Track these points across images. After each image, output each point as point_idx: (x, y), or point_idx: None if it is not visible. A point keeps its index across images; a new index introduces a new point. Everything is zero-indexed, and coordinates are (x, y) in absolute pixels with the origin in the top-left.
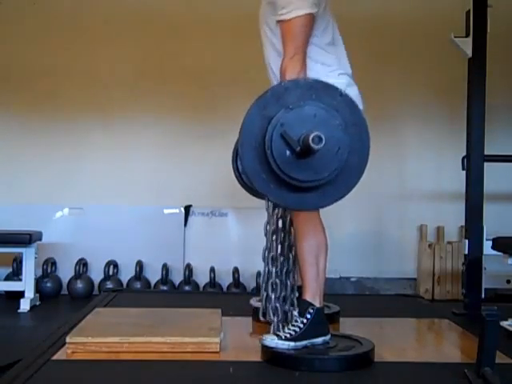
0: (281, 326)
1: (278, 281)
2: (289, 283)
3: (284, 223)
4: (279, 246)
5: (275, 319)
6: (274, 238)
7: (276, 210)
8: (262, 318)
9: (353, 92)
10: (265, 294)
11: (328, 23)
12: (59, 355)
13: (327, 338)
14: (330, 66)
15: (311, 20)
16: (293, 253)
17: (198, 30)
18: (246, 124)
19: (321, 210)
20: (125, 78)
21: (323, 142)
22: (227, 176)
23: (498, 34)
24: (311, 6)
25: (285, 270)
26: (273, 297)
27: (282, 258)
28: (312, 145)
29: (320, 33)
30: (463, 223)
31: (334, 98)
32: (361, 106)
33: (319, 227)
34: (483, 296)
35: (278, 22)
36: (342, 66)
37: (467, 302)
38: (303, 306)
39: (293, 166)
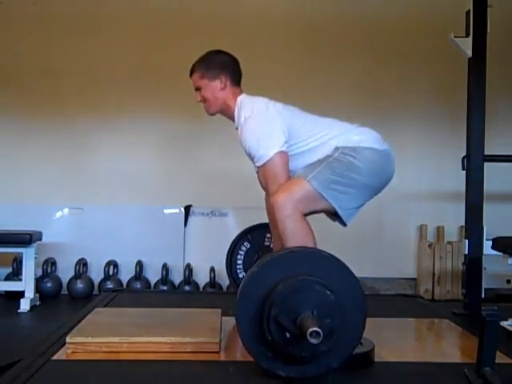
0: None
1: None
2: None
3: None
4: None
5: None
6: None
7: None
8: None
9: (373, 134)
10: None
11: (302, 114)
12: (59, 355)
13: None
14: (342, 134)
15: (284, 155)
16: None
17: (198, 30)
18: (240, 309)
19: None
20: (125, 78)
21: (321, 336)
22: (227, 176)
23: (498, 34)
24: (278, 144)
25: None
26: None
27: None
28: (310, 339)
29: (305, 124)
30: (463, 223)
31: (317, 264)
32: (386, 147)
33: (308, 228)
34: (483, 296)
35: (256, 167)
36: (347, 126)
37: (467, 302)
38: None
39: (292, 344)
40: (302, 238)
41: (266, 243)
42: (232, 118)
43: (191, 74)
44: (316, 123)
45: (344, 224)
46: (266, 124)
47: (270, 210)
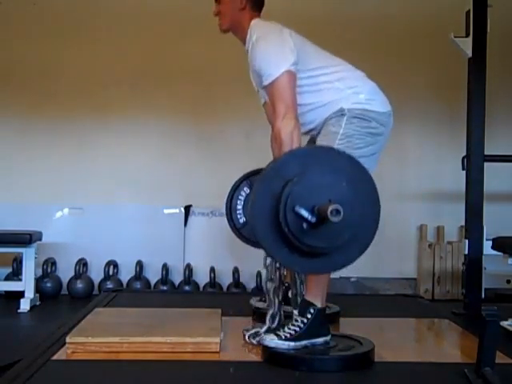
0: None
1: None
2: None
3: None
4: None
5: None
6: None
7: None
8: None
9: (380, 95)
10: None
11: (313, 47)
12: (59, 355)
13: (327, 337)
14: (349, 78)
15: (292, 75)
16: None
17: (198, 30)
18: (256, 206)
19: None
20: (125, 78)
21: (341, 213)
22: (227, 176)
23: (498, 34)
24: (287, 63)
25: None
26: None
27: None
28: (331, 218)
29: (315, 56)
30: (463, 223)
31: (333, 159)
32: (389, 108)
33: None
34: (483, 296)
35: (264, 87)
36: (357, 74)
37: (467, 302)
38: (304, 305)
39: (312, 236)
40: None
41: None
42: (243, 40)
43: None
44: (326, 57)
45: None
46: (277, 43)
47: (276, 135)
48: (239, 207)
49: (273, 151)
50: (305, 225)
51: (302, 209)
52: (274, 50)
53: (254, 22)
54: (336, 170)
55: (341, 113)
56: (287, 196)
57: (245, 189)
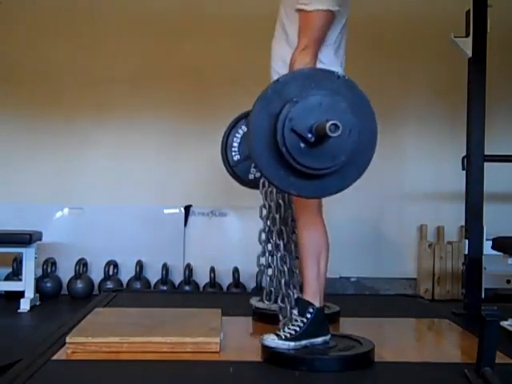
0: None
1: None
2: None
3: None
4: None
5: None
6: (273, 240)
7: (273, 214)
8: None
9: None
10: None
11: (343, 24)
12: (59, 355)
13: (327, 337)
14: (323, 64)
15: (331, 17)
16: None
17: (198, 30)
18: (254, 125)
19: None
20: (124, 78)
21: (340, 128)
22: (227, 176)
23: (497, 34)
24: (333, 4)
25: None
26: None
27: (280, 263)
28: (330, 133)
29: (334, 30)
30: (463, 223)
31: (332, 82)
32: None
33: (321, 227)
34: (483, 296)
35: (298, 10)
36: (328, 59)
37: (467, 302)
38: (303, 305)
39: (309, 156)
40: None
41: None
42: None
43: None
44: (333, 34)
45: None
46: None
47: (291, 65)
48: (235, 144)
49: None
50: (302, 144)
51: (300, 127)
52: None
53: None
54: (336, 92)
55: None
56: (286, 116)
57: (242, 127)
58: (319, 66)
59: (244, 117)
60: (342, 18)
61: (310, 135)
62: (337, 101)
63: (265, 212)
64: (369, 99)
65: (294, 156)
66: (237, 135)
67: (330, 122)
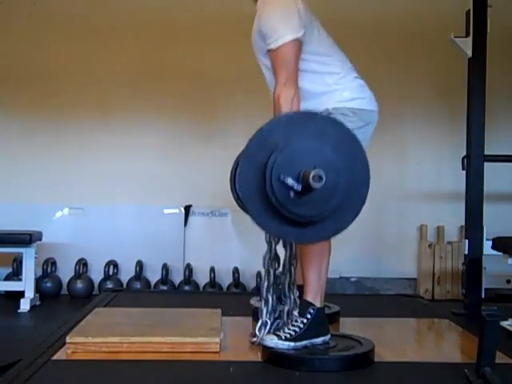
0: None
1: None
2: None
3: None
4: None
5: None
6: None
7: None
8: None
9: (366, 93)
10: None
11: (318, 30)
12: (59, 355)
13: (327, 338)
14: (338, 74)
15: (299, 44)
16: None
17: (198, 30)
18: (243, 177)
19: None
20: (124, 78)
21: (323, 179)
22: (227, 176)
23: (498, 34)
24: (296, 31)
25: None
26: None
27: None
28: (313, 185)
29: (316, 41)
30: (463, 223)
31: (316, 124)
32: (374, 107)
33: None
34: (483, 296)
35: (268, 51)
36: (347, 69)
37: (467, 302)
38: (304, 305)
39: (301, 205)
40: None
41: None
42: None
43: None
44: (326, 44)
45: None
46: (289, 10)
47: (276, 100)
48: None
49: (274, 104)
50: (292, 193)
51: (287, 177)
52: (284, 15)
53: None
54: (321, 134)
55: (327, 113)
56: (272, 165)
57: None
58: (331, 77)
59: None
60: (312, 28)
61: (297, 185)
62: (323, 144)
63: None
64: (355, 135)
65: (285, 206)
66: None
67: (313, 173)
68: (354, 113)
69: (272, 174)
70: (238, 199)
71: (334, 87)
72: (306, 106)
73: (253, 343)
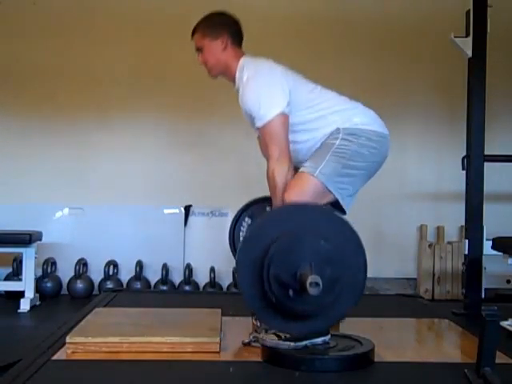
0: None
1: None
2: None
3: None
4: None
5: None
6: None
7: None
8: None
9: (376, 119)
10: None
11: (306, 83)
12: (59, 355)
13: (327, 337)
14: (344, 110)
15: (285, 117)
16: None
17: None
18: (241, 276)
19: None
20: (124, 79)
21: (320, 286)
22: (227, 176)
23: (498, 34)
24: (280, 105)
25: None
26: None
27: None
28: (310, 291)
29: (307, 92)
30: (463, 223)
31: (309, 216)
32: (386, 131)
33: None
34: (483, 296)
35: (257, 129)
36: (353, 103)
37: (467, 302)
38: None
39: (301, 301)
40: None
41: None
42: (233, 80)
43: (193, 34)
44: (319, 93)
45: (344, 212)
46: (269, 84)
47: (270, 176)
48: (242, 238)
49: (268, 185)
50: (291, 292)
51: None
52: (265, 91)
53: (243, 60)
54: (313, 227)
55: (336, 132)
56: (269, 264)
57: (246, 219)
58: (337, 115)
59: (244, 209)
60: (299, 85)
61: (295, 284)
62: (316, 238)
63: None
64: (348, 222)
65: (285, 304)
66: (242, 228)
67: (309, 280)
68: (365, 132)
69: (269, 274)
70: (235, 255)
71: (342, 120)
72: (317, 132)
73: (244, 344)
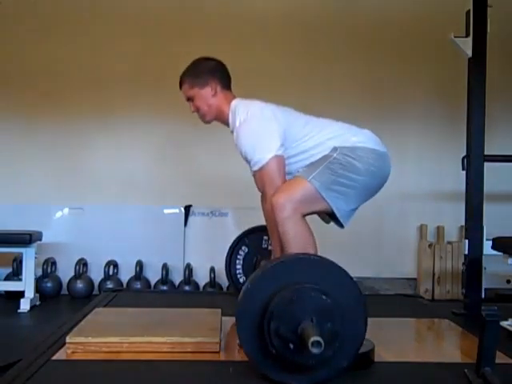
0: None
1: None
2: None
3: None
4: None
5: None
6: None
7: None
8: None
9: (374, 138)
10: None
11: (299, 116)
12: (59, 355)
13: None
14: (341, 135)
15: (280, 159)
16: None
17: (198, 31)
18: (242, 328)
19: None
20: (125, 78)
21: (322, 346)
22: (227, 176)
23: (497, 34)
24: (274, 149)
25: None
26: None
27: None
28: (312, 350)
29: (302, 125)
30: (463, 223)
31: (311, 268)
32: (385, 149)
33: (308, 230)
34: (483, 296)
35: (255, 172)
36: (348, 127)
37: (467, 302)
38: None
39: (302, 354)
40: (303, 240)
41: (263, 246)
42: (227, 123)
43: (181, 86)
44: (313, 124)
45: (341, 226)
46: (261, 128)
47: (268, 212)
48: (238, 266)
49: (264, 215)
50: (291, 345)
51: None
52: (258, 136)
53: (234, 103)
54: (315, 280)
55: (334, 149)
56: (269, 318)
57: (243, 248)
58: (334, 140)
59: (241, 238)
60: (292, 119)
61: (296, 339)
62: (316, 291)
63: None
64: (348, 273)
65: (285, 357)
66: (238, 257)
67: (312, 340)
68: (362, 150)
69: (270, 329)
70: (235, 288)
71: (340, 142)
72: (315, 157)
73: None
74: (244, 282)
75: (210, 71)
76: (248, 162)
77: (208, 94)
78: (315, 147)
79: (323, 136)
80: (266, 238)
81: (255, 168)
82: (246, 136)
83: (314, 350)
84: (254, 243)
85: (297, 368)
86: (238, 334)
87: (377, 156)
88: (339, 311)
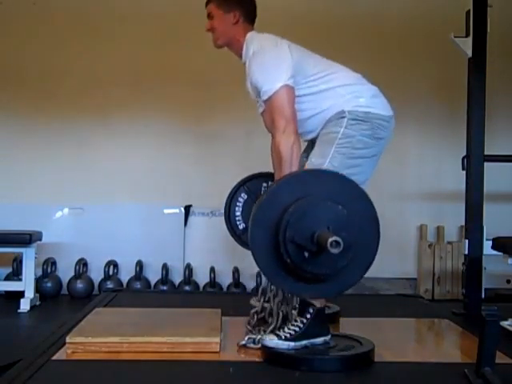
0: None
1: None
2: None
3: None
4: None
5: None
6: None
7: None
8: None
9: (381, 99)
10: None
11: (313, 56)
12: (59, 355)
13: (327, 337)
14: (350, 85)
15: (291, 90)
16: None
17: (198, 30)
18: (255, 239)
19: None
20: (124, 78)
21: (341, 245)
22: (227, 176)
23: (498, 34)
24: (286, 77)
25: None
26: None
27: None
28: (331, 250)
29: (312, 65)
30: (463, 223)
31: (325, 182)
32: (390, 113)
33: None
34: (483, 296)
35: (263, 102)
36: (358, 79)
37: (467, 302)
38: (303, 305)
39: (316, 264)
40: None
41: (263, 192)
42: (239, 54)
43: (208, 1)
44: (326, 65)
45: None
46: (274, 57)
47: (276, 148)
48: (238, 213)
49: (272, 160)
50: (306, 254)
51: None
52: (271, 64)
53: (250, 35)
54: (330, 192)
55: (341, 115)
56: (285, 227)
57: (242, 195)
58: (343, 89)
59: (241, 185)
60: (305, 57)
61: (312, 245)
62: (333, 202)
63: None
64: (364, 191)
65: (300, 266)
66: (238, 204)
67: (331, 239)
68: (371, 118)
69: (286, 236)
70: (234, 234)
71: (348, 96)
72: (322, 116)
73: (240, 346)
74: (244, 229)
75: (238, 1)
76: (257, 92)
77: (229, 21)
78: (325, 92)
79: (334, 80)
80: (265, 184)
81: (265, 97)
82: (258, 64)
83: (334, 250)
84: (253, 190)
85: (310, 279)
86: (252, 246)
87: (384, 122)
88: (354, 221)
